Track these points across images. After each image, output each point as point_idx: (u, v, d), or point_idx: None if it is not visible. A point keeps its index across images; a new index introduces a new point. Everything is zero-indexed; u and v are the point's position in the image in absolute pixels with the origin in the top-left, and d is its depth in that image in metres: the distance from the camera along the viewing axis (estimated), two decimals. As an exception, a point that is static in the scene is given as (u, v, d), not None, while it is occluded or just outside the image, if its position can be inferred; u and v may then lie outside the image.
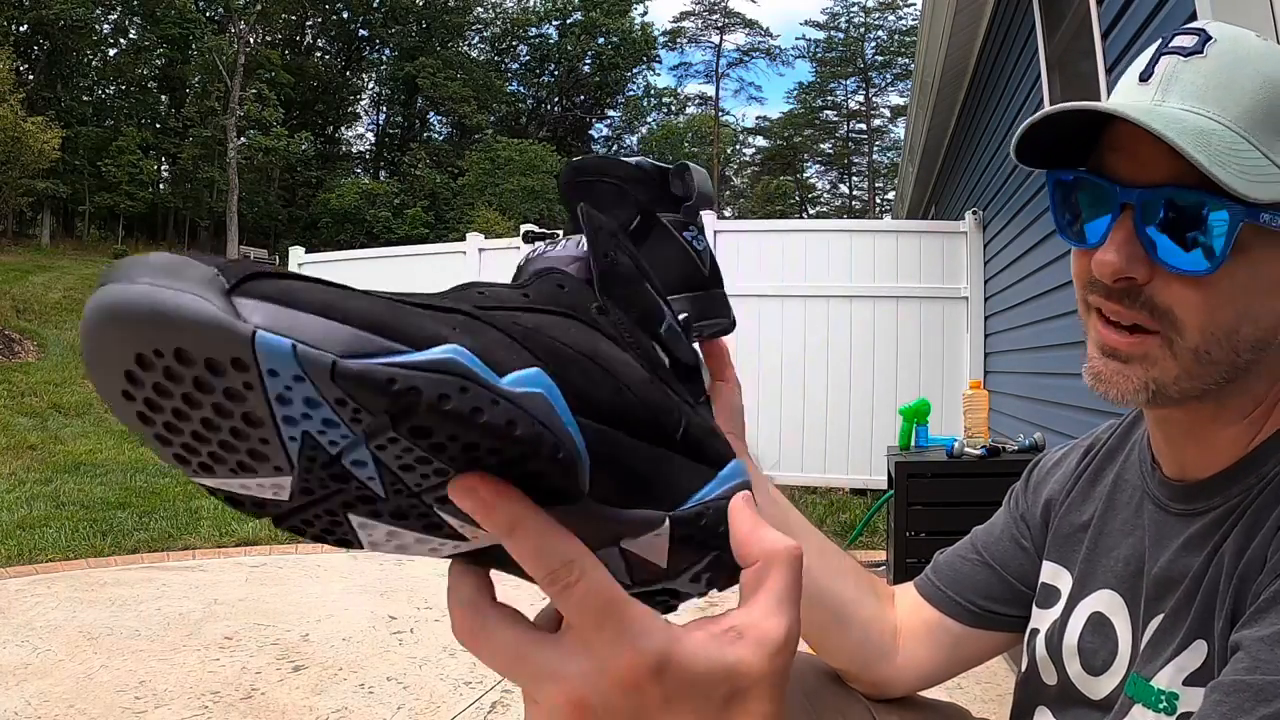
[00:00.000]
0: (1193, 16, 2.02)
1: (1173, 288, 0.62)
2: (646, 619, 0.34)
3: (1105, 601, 0.76)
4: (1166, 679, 0.65)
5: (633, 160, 0.64)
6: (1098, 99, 3.13)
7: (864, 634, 0.86)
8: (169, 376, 0.27)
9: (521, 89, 49.34)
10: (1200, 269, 0.60)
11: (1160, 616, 0.68)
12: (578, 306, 0.39)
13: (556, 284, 0.40)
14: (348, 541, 0.34)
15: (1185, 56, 0.63)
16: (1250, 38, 0.64)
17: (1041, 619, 0.82)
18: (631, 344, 0.40)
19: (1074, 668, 0.77)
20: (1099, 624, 0.76)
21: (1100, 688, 0.74)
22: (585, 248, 0.44)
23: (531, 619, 0.37)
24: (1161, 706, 0.65)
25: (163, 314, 0.25)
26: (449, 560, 0.37)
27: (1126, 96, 0.65)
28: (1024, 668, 0.84)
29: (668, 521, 0.37)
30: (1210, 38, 0.63)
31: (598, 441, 0.34)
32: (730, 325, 0.68)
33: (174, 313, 0.25)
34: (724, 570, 0.40)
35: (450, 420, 0.28)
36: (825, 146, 51.32)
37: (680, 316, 0.46)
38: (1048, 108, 0.64)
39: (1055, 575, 0.83)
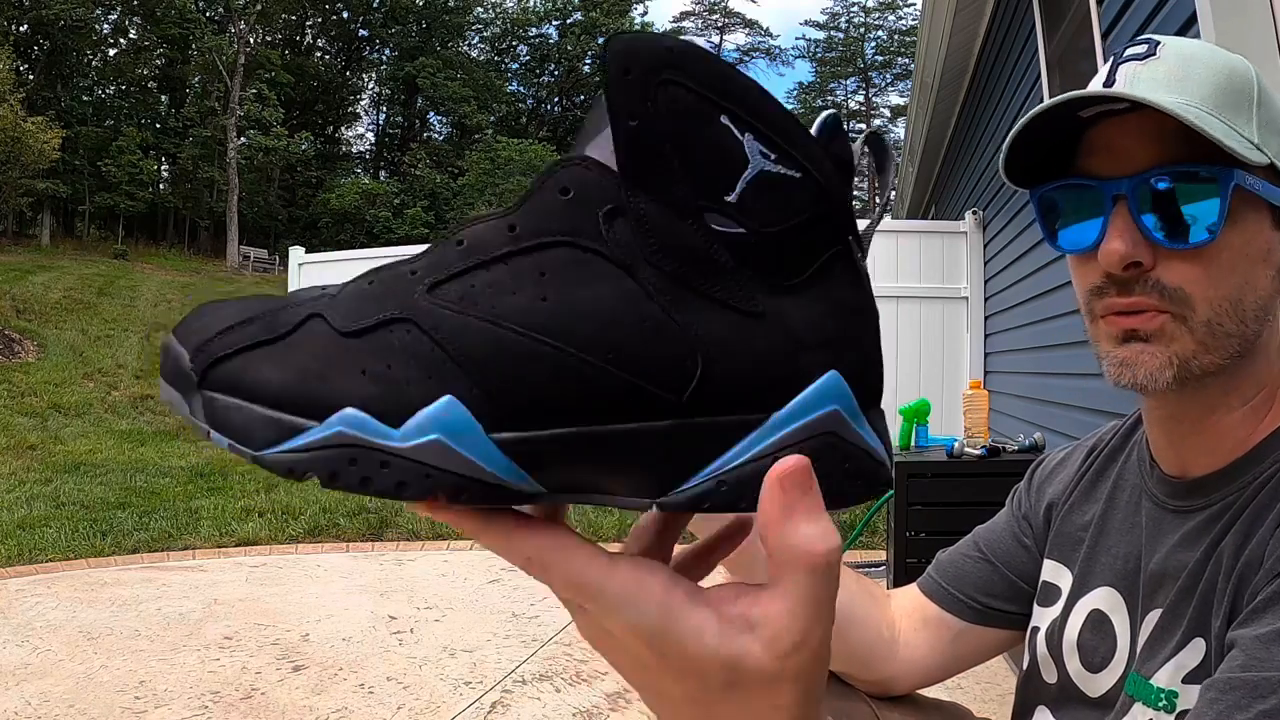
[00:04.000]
0: (1192, 16, 2.02)
1: (1177, 266, 0.64)
2: (636, 592, 0.33)
3: (1104, 599, 0.76)
4: (1166, 677, 0.66)
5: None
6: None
7: (861, 636, 0.86)
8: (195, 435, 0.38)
9: (521, 89, 49.38)
10: (1201, 239, 0.63)
11: (1157, 612, 0.69)
12: (577, 223, 0.33)
13: (559, 189, 0.34)
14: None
15: (1141, 60, 0.66)
16: (1193, 42, 0.68)
17: (1042, 617, 0.82)
18: (655, 253, 0.33)
19: (1073, 665, 0.77)
20: (1098, 621, 0.76)
21: (1099, 685, 0.75)
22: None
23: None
24: (1161, 705, 0.65)
25: (173, 410, 0.36)
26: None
27: (1074, 94, 0.67)
28: (1025, 666, 0.84)
29: (654, 508, 0.34)
30: (1159, 43, 0.67)
31: (531, 450, 0.32)
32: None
33: (175, 410, 0.35)
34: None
35: (348, 489, 0.31)
36: (825, 146, 51.27)
37: (820, 123, 0.36)
38: (1031, 110, 0.67)
39: (1056, 573, 0.83)
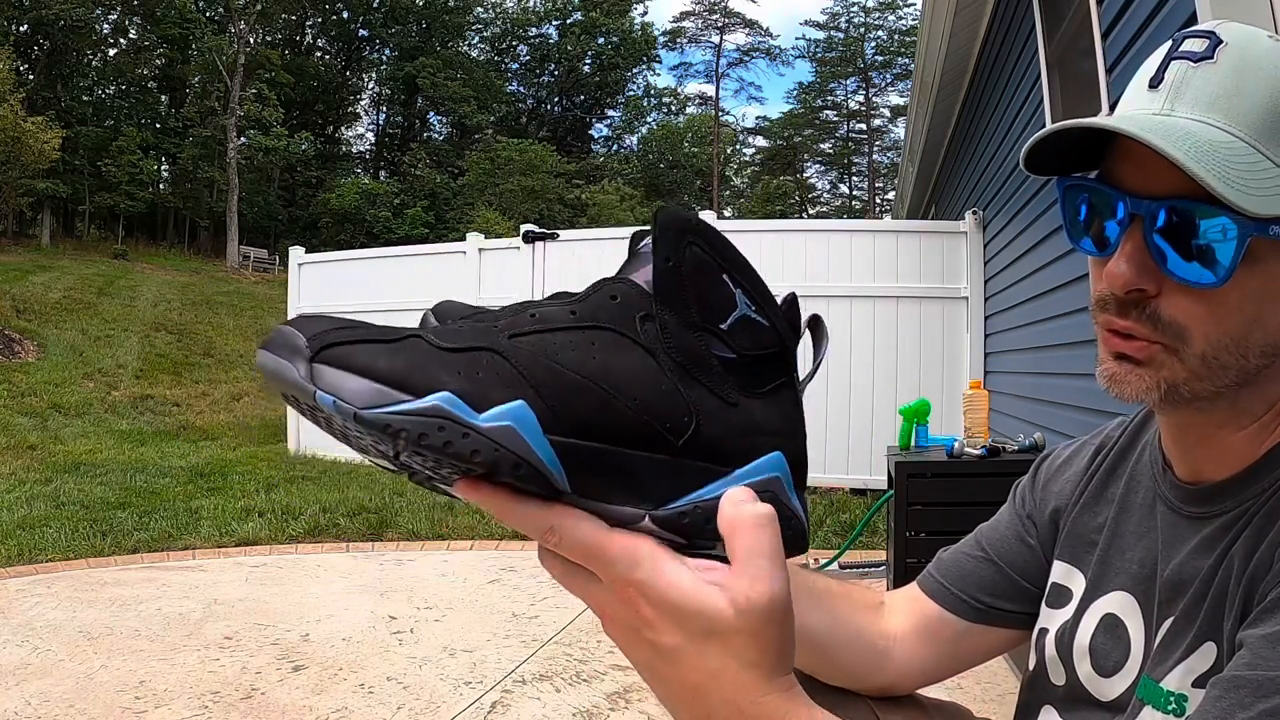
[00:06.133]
0: (1193, 16, 2.01)
1: (1180, 300, 0.62)
2: (632, 552, 0.44)
3: (1118, 603, 0.75)
4: (1176, 681, 0.65)
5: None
6: (1098, 99, 3.12)
7: (851, 655, 0.85)
8: (296, 406, 0.45)
9: (521, 89, 49.39)
10: (1208, 281, 0.60)
11: (1171, 619, 0.68)
12: (621, 318, 0.47)
13: (610, 295, 0.48)
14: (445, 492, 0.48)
15: (1195, 62, 0.62)
16: (1262, 39, 0.63)
17: (1052, 619, 0.82)
18: (672, 349, 0.47)
19: (1084, 668, 0.76)
20: (1112, 625, 0.75)
21: (1111, 689, 0.74)
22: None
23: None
24: (1170, 708, 0.65)
25: (274, 374, 0.43)
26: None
27: (1135, 104, 0.65)
28: (1031, 667, 0.83)
29: (647, 518, 0.45)
30: (1221, 41, 0.62)
31: (573, 452, 0.44)
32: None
33: (277, 375, 0.42)
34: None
35: (428, 449, 0.41)
36: (825, 146, 51.34)
37: (785, 297, 0.51)
38: (1052, 124, 0.64)
39: (1067, 576, 0.82)
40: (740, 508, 0.45)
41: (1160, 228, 0.61)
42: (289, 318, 0.45)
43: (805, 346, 0.53)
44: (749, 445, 0.47)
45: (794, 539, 0.48)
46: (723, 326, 0.48)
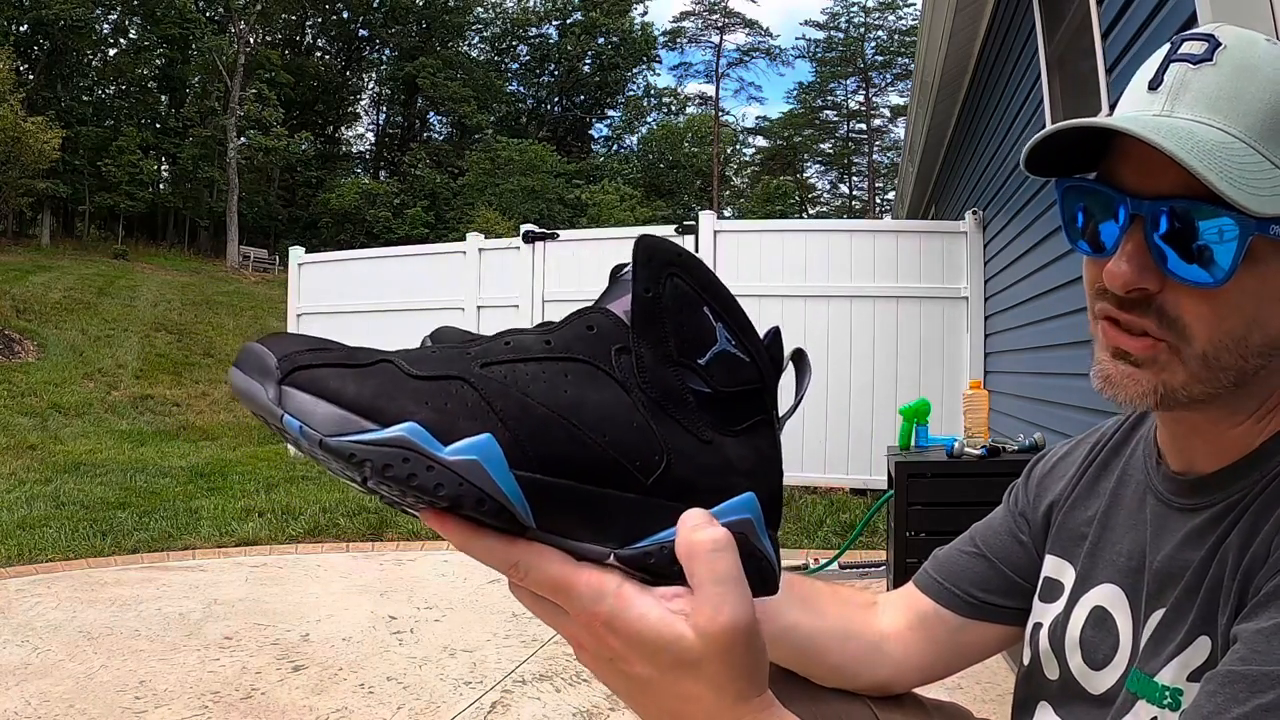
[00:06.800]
0: (1193, 16, 2.01)
1: (1182, 298, 0.62)
2: (598, 587, 0.44)
3: (1107, 595, 0.76)
4: (1170, 675, 0.65)
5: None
6: (1098, 99, 3.12)
7: (843, 652, 0.85)
8: (266, 425, 0.43)
9: (521, 89, 49.39)
10: (1209, 281, 0.60)
11: (1161, 611, 0.69)
12: (596, 350, 0.46)
13: (587, 326, 0.46)
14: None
15: (1194, 64, 0.62)
16: (1260, 42, 0.63)
17: (1044, 613, 0.82)
18: (646, 384, 0.45)
19: (1075, 661, 0.77)
20: (1101, 618, 0.76)
21: (1101, 682, 0.74)
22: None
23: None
24: (1165, 702, 0.65)
25: (244, 394, 0.42)
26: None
27: (1135, 105, 0.65)
28: (1026, 662, 0.84)
29: (612, 556, 0.45)
30: (1220, 44, 0.62)
31: (539, 488, 0.43)
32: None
33: (247, 395, 0.42)
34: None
35: (392, 479, 0.40)
36: (825, 146, 51.33)
37: (769, 332, 0.49)
38: (1054, 124, 0.64)
39: (1059, 569, 0.83)
40: (696, 533, 0.44)
41: (1161, 228, 0.62)
42: (260, 336, 0.45)
43: (787, 380, 0.52)
44: (721, 484, 0.46)
45: (762, 581, 0.47)
46: (700, 361, 0.46)
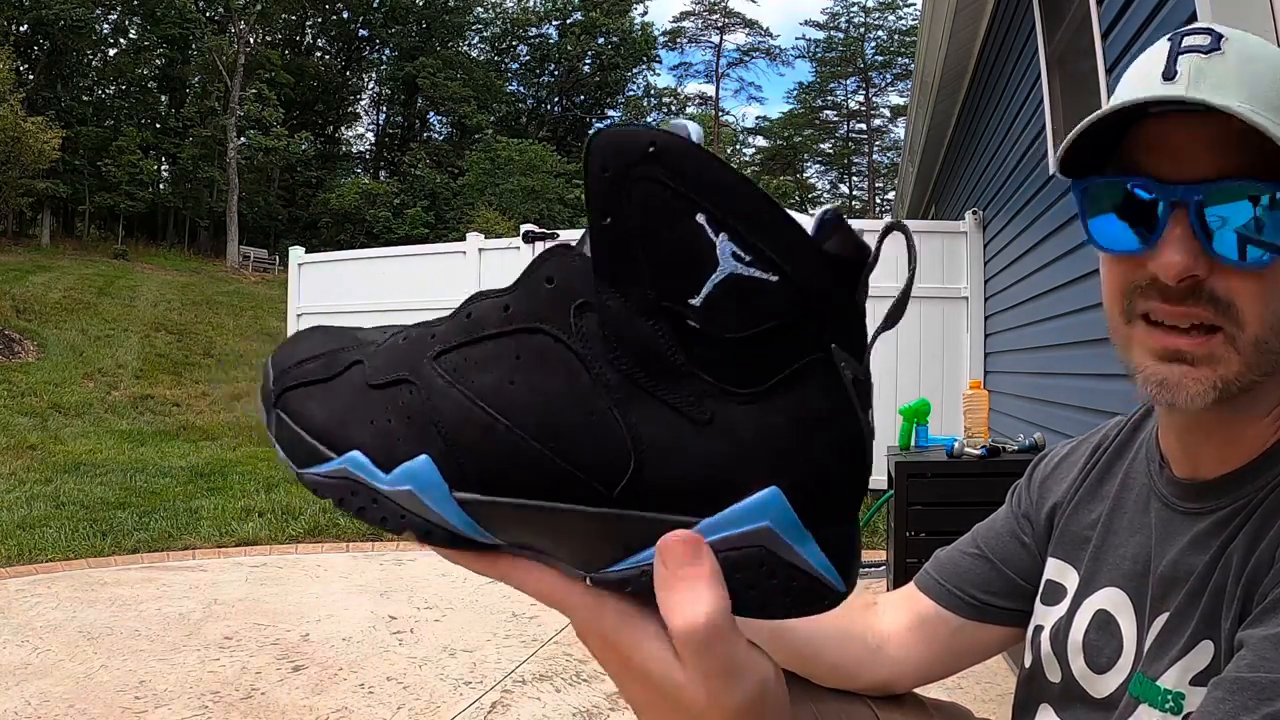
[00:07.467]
0: (1192, 16, 2.02)
1: (1233, 281, 0.61)
2: (595, 603, 0.38)
3: (1111, 599, 0.76)
4: (1173, 679, 0.65)
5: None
6: (1098, 99, 3.12)
7: (840, 651, 0.85)
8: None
9: (521, 89, 49.35)
10: (1261, 260, 0.60)
11: (1165, 615, 0.68)
12: (554, 313, 0.34)
13: (545, 279, 0.35)
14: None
15: (1205, 54, 0.62)
16: (1251, 37, 0.64)
17: (1046, 616, 0.82)
18: (613, 353, 0.33)
19: (1078, 665, 0.77)
20: (1104, 622, 0.75)
21: (1104, 686, 0.74)
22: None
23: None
24: (1168, 706, 0.65)
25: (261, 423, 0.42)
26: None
27: (1152, 95, 0.64)
28: (1027, 665, 0.84)
29: (589, 579, 0.37)
30: (1222, 35, 0.63)
31: (484, 510, 0.36)
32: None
33: (262, 418, 0.42)
34: None
35: (349, 511, 0.38)
36: (825, 146, 51.33)
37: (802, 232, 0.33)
38: (1102, 108, 0.63)
39: (1061, 572, 0.82)
40: (669, 586, 0.34)
41: (1206, 211, 0.61)
42: (281, 342, 0.44)
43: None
44: (725, 482, 0.33)
45: (799, 599, 0.34)
46: (694, 301, 0.32)
